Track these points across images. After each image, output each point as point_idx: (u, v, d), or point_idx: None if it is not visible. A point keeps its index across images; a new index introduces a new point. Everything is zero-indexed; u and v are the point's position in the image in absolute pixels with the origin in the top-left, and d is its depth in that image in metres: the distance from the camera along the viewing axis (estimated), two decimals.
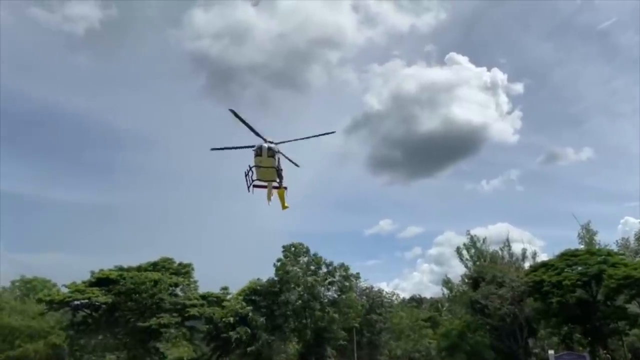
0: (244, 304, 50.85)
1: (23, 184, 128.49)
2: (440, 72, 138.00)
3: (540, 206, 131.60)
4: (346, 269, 57.33)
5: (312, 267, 56.11)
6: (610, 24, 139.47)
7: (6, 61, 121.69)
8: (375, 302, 62.40)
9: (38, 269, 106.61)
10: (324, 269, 56.68)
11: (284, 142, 12.63)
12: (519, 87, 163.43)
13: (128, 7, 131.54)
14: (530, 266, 49.57)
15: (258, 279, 54.95)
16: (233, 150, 12.64)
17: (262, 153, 12.19)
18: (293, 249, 56.15)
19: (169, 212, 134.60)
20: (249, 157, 12.45)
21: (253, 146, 12.34)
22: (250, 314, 49.81)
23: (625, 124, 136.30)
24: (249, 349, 48.71)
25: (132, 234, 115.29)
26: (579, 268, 41.99)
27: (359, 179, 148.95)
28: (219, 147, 12.72)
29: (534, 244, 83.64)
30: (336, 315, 53.34)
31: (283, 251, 55.52)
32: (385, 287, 75.65)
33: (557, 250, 50.64)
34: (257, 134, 12.15)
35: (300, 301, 52.99)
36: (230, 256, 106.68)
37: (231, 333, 48.66)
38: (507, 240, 55.11)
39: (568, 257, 43.76)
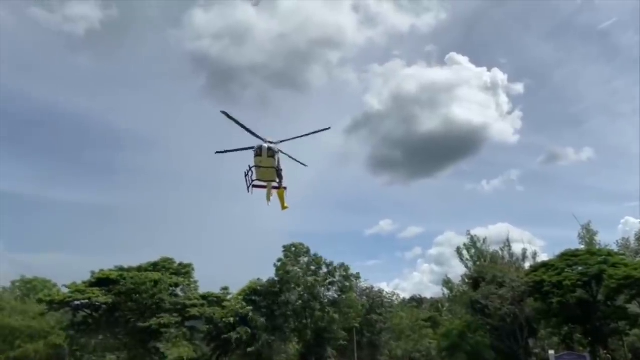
0: (244, 304, 50.88)
1: (23, 184, 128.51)
2: (440, 72, 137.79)
3: (540, 206, 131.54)
4: (346, 269, 57.42)
5: (313, 267, 56.13)
6: (610, 24, 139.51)
7: (6, 61, 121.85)
8: (376, 302, 62.37)
9: (38, 269, 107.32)
10: (324, 269, 56.71)
11: (281, 141, 12.50)
12: (519, 87, 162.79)
13: (128, 7, 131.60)
14: (531, 266, 49.57)
15: (258, 279, 55.06)
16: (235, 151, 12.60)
17: (262, 153, 12.07)
18: (293, 249, 56.14)
19: (169, 212, 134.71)
20: (248, 158, 12.39)
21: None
22: (250, 314, 49.83)
23: (625, 124, 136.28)
24: (249, 349, 48.72)
25: (132, 234, 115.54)
26: (580, 268, 42.03)
27: (359, 179, 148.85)
28: (223, 150, 12.66)
29: (534, 244, 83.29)
30: (336, 316, 53.34)
31: (283, 251, 55.57)
32: (386, 287, 75.54)
33: (558, 251, 50.92)
34: (253, 134, 12.02)
35: (300, 301, 53.06)
36: (230, 256, 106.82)
37: (231, 333, 48.68)
38: (508, 240, 55.23)
39: (568, 257, 43.78)
